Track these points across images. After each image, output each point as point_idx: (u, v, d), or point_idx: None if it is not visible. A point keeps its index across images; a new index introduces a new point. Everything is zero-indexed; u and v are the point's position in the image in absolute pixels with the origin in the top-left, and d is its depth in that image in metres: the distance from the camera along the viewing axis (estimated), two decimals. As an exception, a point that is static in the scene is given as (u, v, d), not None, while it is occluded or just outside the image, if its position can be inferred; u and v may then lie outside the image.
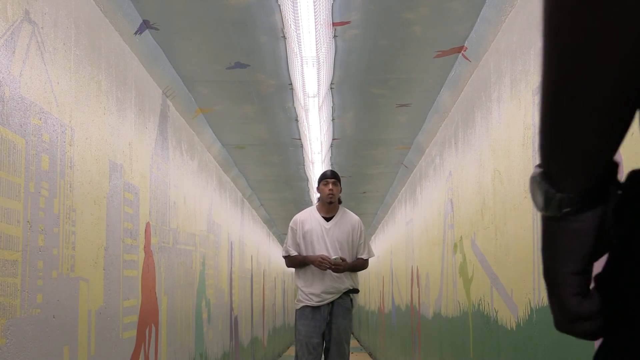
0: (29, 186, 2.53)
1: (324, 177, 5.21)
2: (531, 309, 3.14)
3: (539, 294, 3.02)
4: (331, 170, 5.27)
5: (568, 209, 0.76)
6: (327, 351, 5.15)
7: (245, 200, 9.90)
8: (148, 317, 4.20)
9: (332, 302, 5.11)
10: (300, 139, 6.82)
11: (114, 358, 3.51)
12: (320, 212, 5.26)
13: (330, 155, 7.65)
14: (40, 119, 2.65)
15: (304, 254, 5.17)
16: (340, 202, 5.32)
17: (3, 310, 2.31)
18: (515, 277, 3.43)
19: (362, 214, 12.46)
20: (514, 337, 3.47)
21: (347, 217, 5.29)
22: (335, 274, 5.06)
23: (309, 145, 6.91)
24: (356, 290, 5.22)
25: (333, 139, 6.90)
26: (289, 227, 5.32)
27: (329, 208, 5.23)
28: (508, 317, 3.57)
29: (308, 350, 5.09)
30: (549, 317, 2.78)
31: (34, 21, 2.61)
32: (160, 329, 4.54)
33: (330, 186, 5.16)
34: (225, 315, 7.73)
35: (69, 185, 2.92)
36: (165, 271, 4.71)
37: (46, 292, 2.65)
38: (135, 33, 3.83)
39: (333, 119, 6.11)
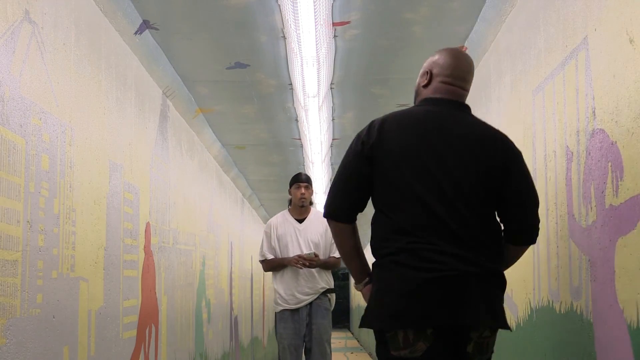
0: (29, 186, 2.53)
1: (296, 181, 5.27)
2: (531, 309, 3.14)
3: (539, 294, 3.02)
4: (305, 174, 5.34)
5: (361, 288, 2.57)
6: (308, 351, 5.20)
7: (245, 200, 9.90)
8: (148, 317, 4.20)
9: (310, 303, 5.17)
10: (300, 139, 6.82)
11: (114, 358, 3.51)
12: (292, 215, 5.32)
13: (330, 155, 7.65)
14: (40, 119, 2.65)
15: (280, 257, 5.22)
16: (311, 203, 5.40)
17: (3, 310, 2.31)
18: (515, 277, 3.42)
19: (362, 213, 12.45)
20: (514, 337, 3.47)
21: (319, 218, 5.31)
22: (309, 274, 5.14)
23: (309, 145, 6.91)
24: (332, 290, 5.30)
25: (333, 139, 6.90)
26: (264, 232, 5.36)
27: (301, 210, 5.29)
28: (508, 317, 3.57)
29: (290, 352, 5.15)
30: (549, 317, 2.78)
31: (34, 21, 2.61)
32: (160, 329, 4.54)
33: (303, 190, 5.22)
34: (225, 315, 7.74)
35: (69, 185, 2.92)
36: (165, 271, 4.71)
37: (46, 292, 2.65)
38: (135, 33, 3.83)
39: (333, 119, 6.11)
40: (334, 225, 2.56)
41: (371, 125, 2.46)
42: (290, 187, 5.33)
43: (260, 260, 5.37)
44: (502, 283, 2.44)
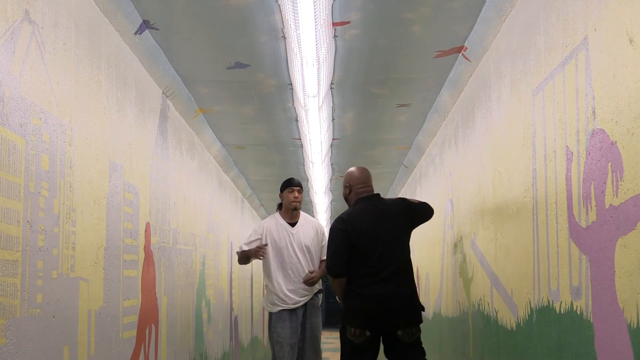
0: (29, 186, 2.53)
1: (289, 185, 5.42)
2: (531, 309, 3.14)
3: (538, 294, 3.02)
4: (297, 179, 5.52)
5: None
6: (301, 350, 5.34)
7: (245, 200, 9.90)
8: (148, 317, 4.20)
9: (305, 304, 5.34)
10: (300, 139, 6.82)
11: (114, 358, 3.51)
12: (284, 219, 5.44)
13: (330, 155, 7.65)
14: (40, 119, 2.65)
15: (274, 259, 5.35)
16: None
17: (3, 310, 2.31)
18: (515, 277, 3.43)
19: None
20: (514, 337, 3.47)
21: (309, 221, 5.54)
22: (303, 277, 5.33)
23: (309, 145, 6.91)
24: (321, 290, 5.53)
25: (333, 139, 6.90)
26: (253, 230, 5.48)
27: (293, 214, 5.44)
28: (508, 317, 3.57)
29: (288, 350, 5.25)
30: (549, 317, 2.79)
31: (34, 21, 2.61)
32: (160, 329, 4.54)
33: (296, 194, 5.39)
34: (225, 315, 7.74)
35: (69, 185, 2.92)
36: (165, 271, 4.71)
37: (46, 292, 2.65)
38: (135, 33, 3.83)
39: (333, 119, 6.11)
40: (335, 279, 4.21)
41: (340, 220, 4.22)
42: (282, 191, 5.46)
43: (237, 252, 5.50)
44: (413, 298, 4.15)
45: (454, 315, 5.28)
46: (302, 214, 5.54)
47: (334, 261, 4.19)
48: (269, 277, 5.37)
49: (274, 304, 5.30)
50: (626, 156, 2.13)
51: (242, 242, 5.51)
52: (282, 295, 5.26)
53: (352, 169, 4.43)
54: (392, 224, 4.19)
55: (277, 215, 5.49)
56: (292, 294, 5.26)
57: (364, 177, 4.36)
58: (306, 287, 5.30)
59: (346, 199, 4.44)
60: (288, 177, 5.54)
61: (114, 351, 3.51)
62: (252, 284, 10.86)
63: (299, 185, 5.43)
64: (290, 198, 5.36)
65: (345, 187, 4.39)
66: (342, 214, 4.31)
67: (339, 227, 4.20)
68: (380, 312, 4.06)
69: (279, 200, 5.51)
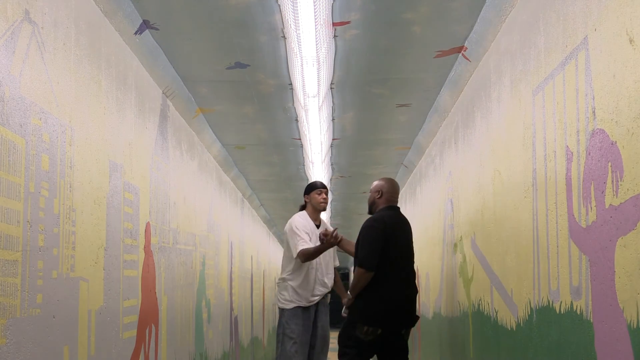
0: (29, 186, 2.53)
1: (315, 187, 5.54)
2: (531, 309, 3.14)
3: (538, 294, 3.02)
4: (320, 181, 5.65)
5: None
6: (311, 347, 5.48)
7: (245, 200, 9.89)
8: (148, 317, 4.20)
9: (317, 302, 5.48)
10: (300, 139, 6.82)
11: (114, 358, 3.51)
12: (311, 219, 5.53)
13: (330, 155, 7.65)
14: (40, 119, 2.65)
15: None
16: None
17: (3, 310, 2.31)
18: (515, 277, 3.43)
19: (362, 214, 12.44)
20: (514, 337, 3.47)
21: (327, 226, 5.67)
22: (321, 278, 5.47)
23: (309, 145, 6.91)
24: (332, 291, 5.69)
25: (333, 139, 6.90)
26: (294, 229, 5.34)
27: (317, 215, 5.56)
28: (508, 317, 3.57)
29: (300, 347, 5.35)
30: (549, 317, 2.78)
31: (34, 21, 2.61)
32: (160, 329, 4.54)
33: (324, 195, 5.52)
34: (225, 315, 7.74)
35: (69, 185, 2.92)
36: (165, 271, 4.71)
37: (46, 292, 2.65)
38: (135, 33, 3.83)
39: (333, 119, 6.11)
40: (366, 273, 4.49)
41: (379, 220, 4.60)
42: (309, 193, 5.55)
43: (302, 255, 5.24)
44: (416, 300, 4.75)
45: (454, 315, 5.28)
46: (321, 218, 5.69)
47: (371, 255, 4.49)
48: (291, 273, 5.42)
49: (290, 300, 5.40)
50: (626, 156, 2.13)
51: (298, 243, 5.24)
52: (299, 292, 5.37)
53: (383, 180, 4.88)
54: (410, 236, 4.76)
55: (305, 214, 5.54)
56: (308, 293, 5.39)
57: (396, 189, 4.87)
58: (321, 287, 5.43)
59: (373, 202, 4.84)
60: (311, 182, 5.72)
61: (114, 351, 3.51)
62: (252, 284, 10.86)
63: (325, 187, 5.59)
64: (318, 199, 5.49)
65: (376, 191, 4.81)
66: (376, 215, 4.70)
67: (376, 225, 4.55)
68: (398, 311, 4.54)
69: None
